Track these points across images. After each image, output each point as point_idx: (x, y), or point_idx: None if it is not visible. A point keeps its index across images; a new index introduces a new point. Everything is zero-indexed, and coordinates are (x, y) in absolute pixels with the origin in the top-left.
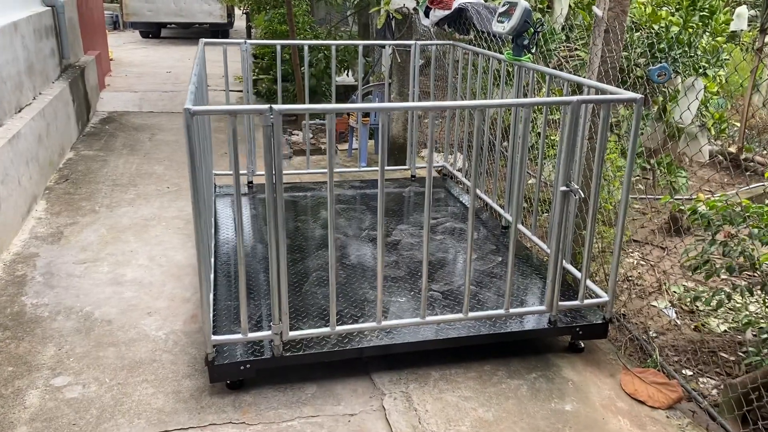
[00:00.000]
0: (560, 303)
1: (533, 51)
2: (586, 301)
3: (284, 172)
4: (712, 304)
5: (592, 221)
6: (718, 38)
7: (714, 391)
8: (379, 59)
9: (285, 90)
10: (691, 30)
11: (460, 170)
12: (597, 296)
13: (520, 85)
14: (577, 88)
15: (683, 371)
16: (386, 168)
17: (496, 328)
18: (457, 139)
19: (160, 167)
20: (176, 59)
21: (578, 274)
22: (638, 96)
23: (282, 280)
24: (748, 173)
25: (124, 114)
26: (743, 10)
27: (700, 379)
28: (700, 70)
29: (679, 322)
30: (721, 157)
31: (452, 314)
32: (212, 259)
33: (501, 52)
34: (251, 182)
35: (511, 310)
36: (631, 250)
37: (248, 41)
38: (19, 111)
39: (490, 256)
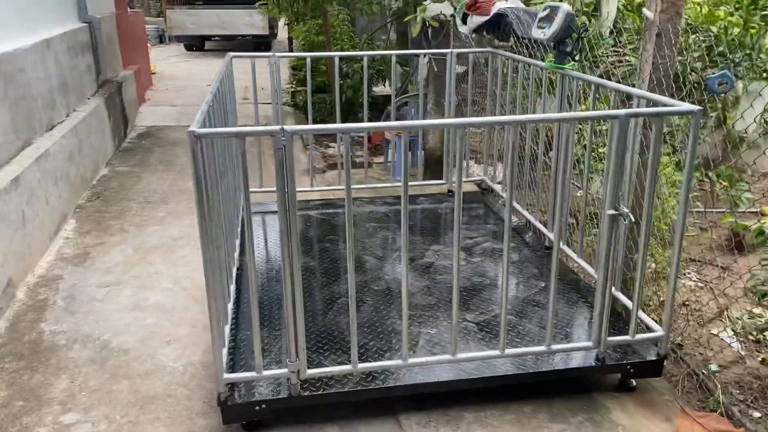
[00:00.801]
0: (609, 339)
1: (577, 58)
2: (638, 336)
3: (313, 188)
4: None
5: (644, 247)
6: None
7: None
8: (416, 69)
9: (322, 101)
10: (753, 31)
11: (500, 183)
12: (650, 329)
13: (564, 95)
14: (626, 98)
15: (750, 413)
16: (422, 183)
17: (537, 365)
18: (497, 150)
19: (191, 183)
20: (218, 72)
21: (629, 304)
22: (696, 108)
23: (298, 313)
24: None
25: (162, 128)
26: None
27: None
28: (765, 74)
29: (743, 353)
30: None
31: (487, 350)
32: (232, 286)
33: (543, 60)
34: None
35: (554, 346)
36: (687, 270)
37: (277, 54)
38: (51, 128)
39: (532, 281)
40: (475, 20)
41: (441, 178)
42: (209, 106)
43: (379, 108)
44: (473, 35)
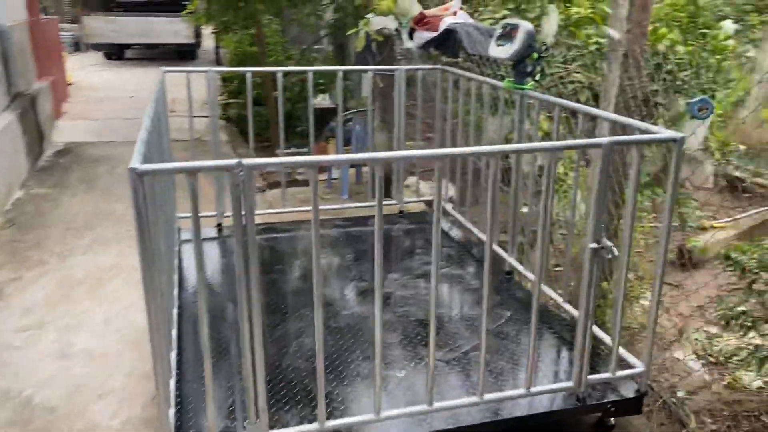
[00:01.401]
0: (589, 377)
1: (538, 78)
2: (619, 373)
3: (280, 210)
4: (751, 363)
5: (624, 281)
6: (717, 56)
7: None
8: (359, 84)
9: (257, 114)
10: (691, 48)
11: (451, 200)
12: (629, 365)
13: (523, 116)
14: (592, 122)
15: None
16: (369, 204)
17: (514, 409)
18: (448, 168)
19: (121, 206)
20: (140, 82)
21: (607, 339)
22: (679, 135)
23: (258, 368)
24: (746, 195)
25: (81, 145)
26: (728, 25)
27: None
28: (709, 93)
29: (707, 377)
30: (725, 181)
31: (465, 397)
32: (174, 330)
33: (496, 77)
34: (220, 225)
35: (534, 389)
36: (642, 290)
37: (212, 69)
38: None
39: (496, 310)
40: (424, 36)
41: (390, 197)
42: (149, 132)
43: (318, 122)
44: (419, 51)
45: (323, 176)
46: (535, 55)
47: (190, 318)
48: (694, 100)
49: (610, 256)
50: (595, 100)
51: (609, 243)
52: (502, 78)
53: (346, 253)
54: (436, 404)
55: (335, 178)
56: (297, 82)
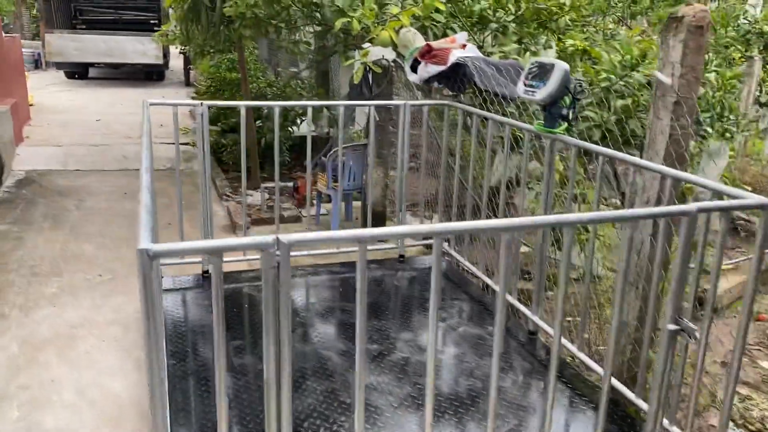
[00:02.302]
0: None
1: (573, 122)
2: None
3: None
4: None
5: (700, 370)
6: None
7: None
8: (350, 115)
9: (235, 143)
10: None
11: (447, 241)
12: None
13: (552, 161)
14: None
15: None
16: (374, 248)
17: None
18: (454, 204)
19: (91, 246)
20: (107, 104)
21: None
22: (766, 200)
23: None
24: (745, 234)
25: (45, 174)
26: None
27: None
28: (727, 134)
29: None
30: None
31: None
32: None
33: (505, 114)
34: (207, 272)
35: None
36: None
37: (205, 103)
38: None
39: (526, 379)
40: (430, 69)
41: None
42: (150, 198)
43: (298, 151)
44: (425, 85)
45: (311, 211)
46: (569, 98)
47: (178, 384)
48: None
49: (691, 340)
50: (604, 139)
51: (692, 326)
52: (505, 115)
53: (340, 306)
54: None
55: (324, 214)
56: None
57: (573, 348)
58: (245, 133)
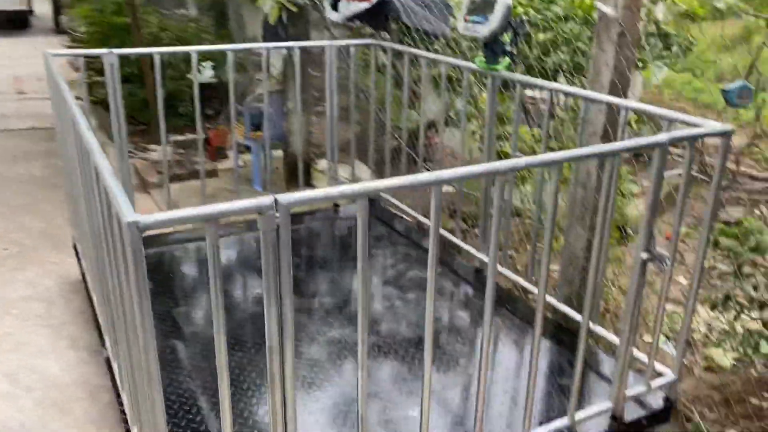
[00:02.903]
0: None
1: (516, 57)
2: (654, 383)
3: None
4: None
5: (666, 290)
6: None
7: None
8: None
9: (133, 95)
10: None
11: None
12: (658, 374)
13: (494, 99)
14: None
15: None
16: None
17: None
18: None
19: None
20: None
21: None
22: (729, 127)
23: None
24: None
25: None
26: None
27: None
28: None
29: (684, 361)
30: None
31: None
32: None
33: (428, 50)
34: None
35: (578, 415)
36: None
37: (115, 51)
38: None
39: (474, 315)
40: (353, 7)
41: (309, 185)
42: (104, 158)
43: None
44: (344, 24)
45: (225, 163)
46: (509, 35)
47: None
48: (733, 86)
49: (665, 267)
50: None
51: (664, 253)
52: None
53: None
54: None
55: (242, 166)
56: (181, 56)
57: (520, 279)
58: (160, 83)
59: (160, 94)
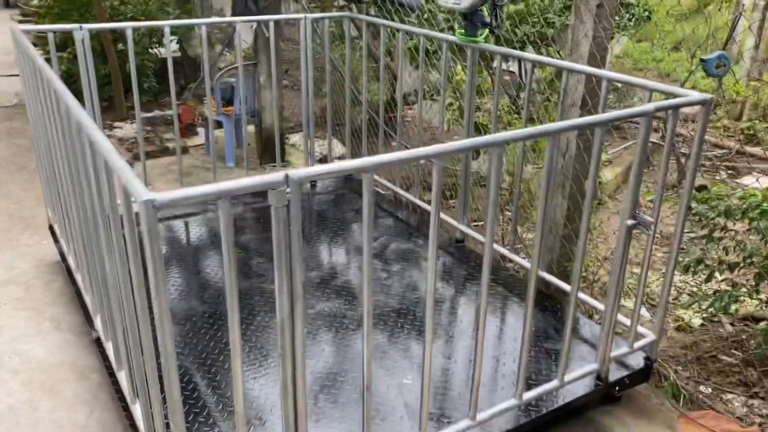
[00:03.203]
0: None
1: (496, 29)
2: (636, 344)
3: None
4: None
5: (649, 253)
6: None
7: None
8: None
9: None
10: None
11: (340, 158)
12: (640, 335)
13: (474, 71)
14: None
15: (700, 388)
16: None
17: (544, 403)
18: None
19: None
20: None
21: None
22: (708, 96)
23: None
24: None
25: None
26: None
27: (724, 397)
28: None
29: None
30: None
31: (504, 402)
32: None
33: (403, 22)
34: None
35: (568, 376)
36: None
37: (86, 26)
38: None
39: (469, 287)
40: None
41: (282, 160)
42: (104, 136)
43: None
44: None
45: (194, 140)
46: (488, 7)
47: None
48: (711, 56)
49: (649, 232)
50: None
51: (648, 218)
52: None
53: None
54: (480, 416)
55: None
56: (144, 31)
57: (503, 250)
58: (133, 58)
59: (133, 69)
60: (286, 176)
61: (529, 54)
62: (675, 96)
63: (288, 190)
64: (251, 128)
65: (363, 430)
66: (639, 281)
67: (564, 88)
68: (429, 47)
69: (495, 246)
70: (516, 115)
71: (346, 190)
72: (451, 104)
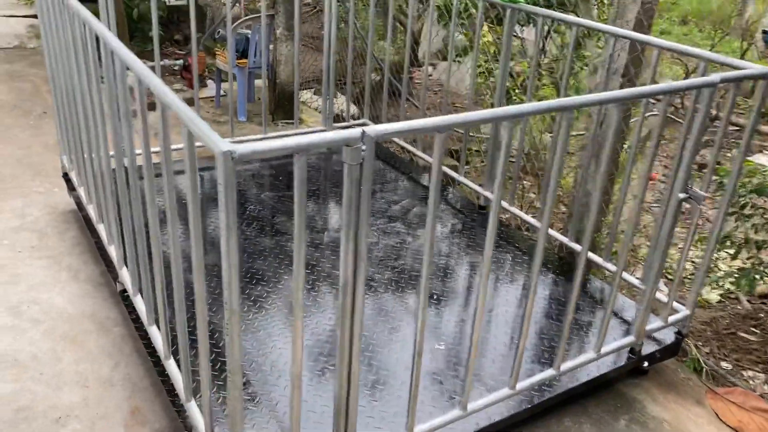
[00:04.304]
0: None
1: None
2: (671, 318)
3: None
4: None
5: (694, 228)
6: None
7: None
8: None
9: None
10: None
11: (354, 117)
12: (674, 310)
13: (510, 34)
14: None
15: (722, 364)
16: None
17: (580, 373)
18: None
19: None
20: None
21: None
22: None
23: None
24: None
25: None
26: None
27: (744, 374)
28: None
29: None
30: None
31: (542, 373)
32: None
33: None
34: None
35: (604, 349)
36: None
37: None
38: None
39: (497, 256)
40: None
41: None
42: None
43: (177, 24)
44: None
45: (204, 92)
46: None
47: None
48: None
49: (700, 207)
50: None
51: (700, 193)
52: None
53: (286, 196)
54: (520, 385)
55: (223, 95)
56: None
57: (529, 218)
58: (155, 6)
59: (155, 19)
60: (363, 133)
61: (573, 18)
62: (732, 68)
63: (363, 147)
64: (258, 82)
65: (410, 395)
66: (681, 256)
67: (611, 54)
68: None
69: (525, 216)
70: (540, 81)
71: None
72: (479, 66)
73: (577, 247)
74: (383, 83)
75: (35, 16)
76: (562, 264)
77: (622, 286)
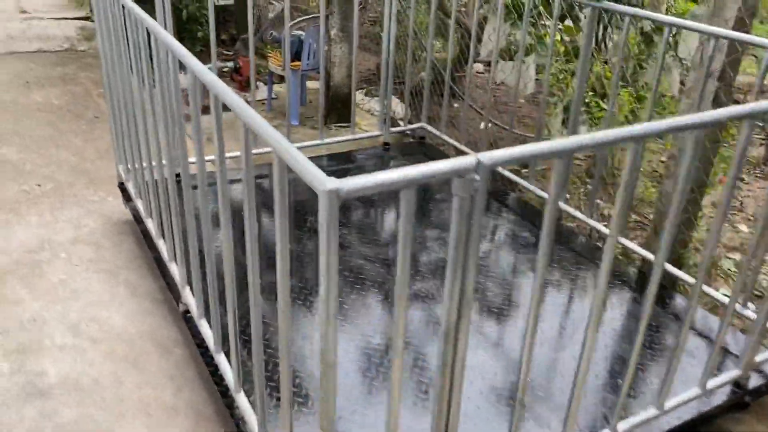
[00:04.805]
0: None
1: None
2: None
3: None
4: None
5: None
6: None
7: None
8: None
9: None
10: None
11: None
12: None
13: (591, 32)
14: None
15: None
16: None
17: (684, 412)
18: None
19: (12, 150)
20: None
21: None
22: None
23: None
24: None
25: None
26: None
27: None
28: None
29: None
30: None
31: (645, 411)
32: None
33: None
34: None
35: (710, 383)
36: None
37: None
38: None
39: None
40: None
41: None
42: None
43: (224, 24)
44: None
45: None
46: None
47: None
48: None
49: None
50: None
51: None
52: None
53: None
54: (621, 426)
55: (274, 98)
56: None
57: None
58: (212, 8)
59: (212, 20)
60: (478, 162)
61: (664, 16)
62: None
63: (477, 177)
64: (310, 84)
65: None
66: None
67: (710, 56)
68: (521, 2)
69: (640, 248)
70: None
71: (421, 156)
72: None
73: (690, 279)
74: (439, 85)
75: (86, 18)
76: (661, 293)
77: (712, 305)
